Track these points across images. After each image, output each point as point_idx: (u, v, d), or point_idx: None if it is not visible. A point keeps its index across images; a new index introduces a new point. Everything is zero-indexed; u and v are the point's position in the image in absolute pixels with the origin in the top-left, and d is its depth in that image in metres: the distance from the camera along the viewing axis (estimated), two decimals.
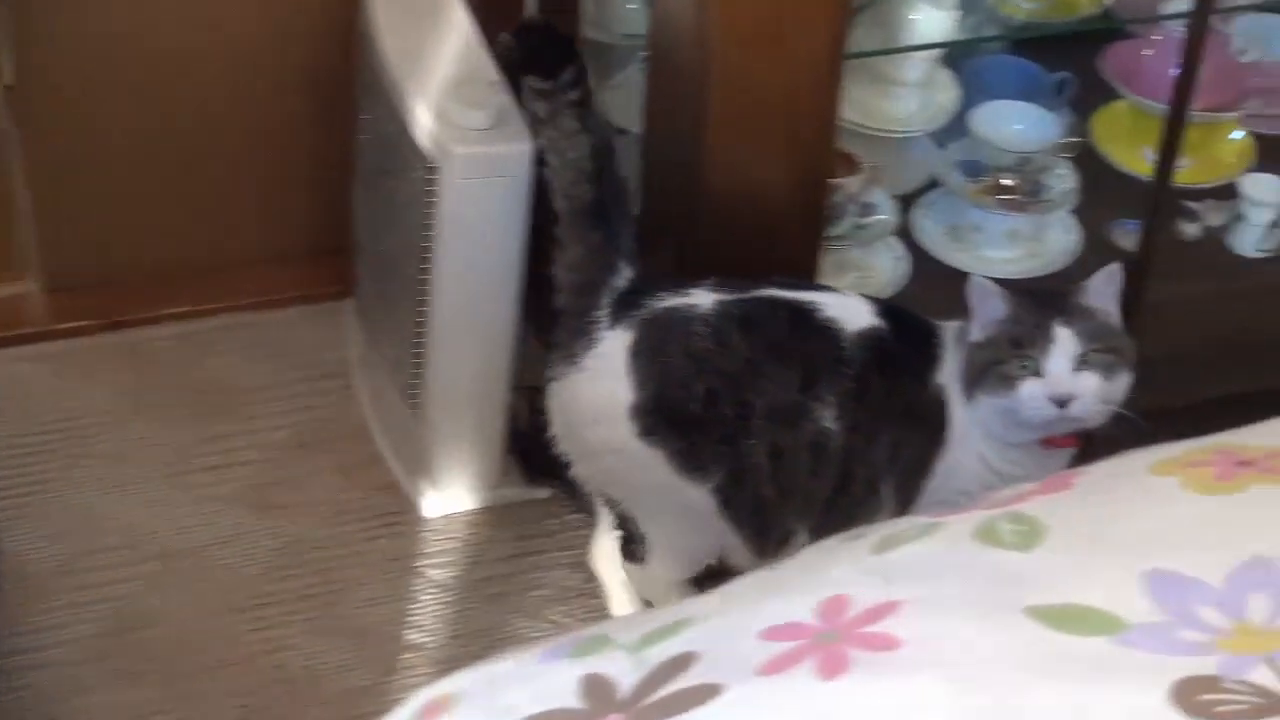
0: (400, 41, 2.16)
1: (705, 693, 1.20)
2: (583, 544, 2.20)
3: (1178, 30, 2.18)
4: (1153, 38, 2.44)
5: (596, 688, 1.23)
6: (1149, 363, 1.85)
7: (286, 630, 2.13)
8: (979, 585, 1.26)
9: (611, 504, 2.00)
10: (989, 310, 1.83)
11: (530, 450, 2.25)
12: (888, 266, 2.28)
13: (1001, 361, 1.81)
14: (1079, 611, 1.22)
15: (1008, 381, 1.80)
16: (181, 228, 2.48)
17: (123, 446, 2.31)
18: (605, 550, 2.12)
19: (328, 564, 2.21)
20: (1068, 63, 2.43)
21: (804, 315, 1.86)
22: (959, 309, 1.87)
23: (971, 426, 1.86)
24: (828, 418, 1.84)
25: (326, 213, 2.46)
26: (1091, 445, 1.82)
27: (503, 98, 2.08)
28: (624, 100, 2.24)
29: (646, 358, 1.87)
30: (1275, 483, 1.33)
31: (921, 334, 1.89)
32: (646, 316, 1.88)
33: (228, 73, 2.39)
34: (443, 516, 2.27)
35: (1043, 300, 1.84)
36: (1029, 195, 2.31)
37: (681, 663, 1.23)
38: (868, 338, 1.86)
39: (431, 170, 2.06)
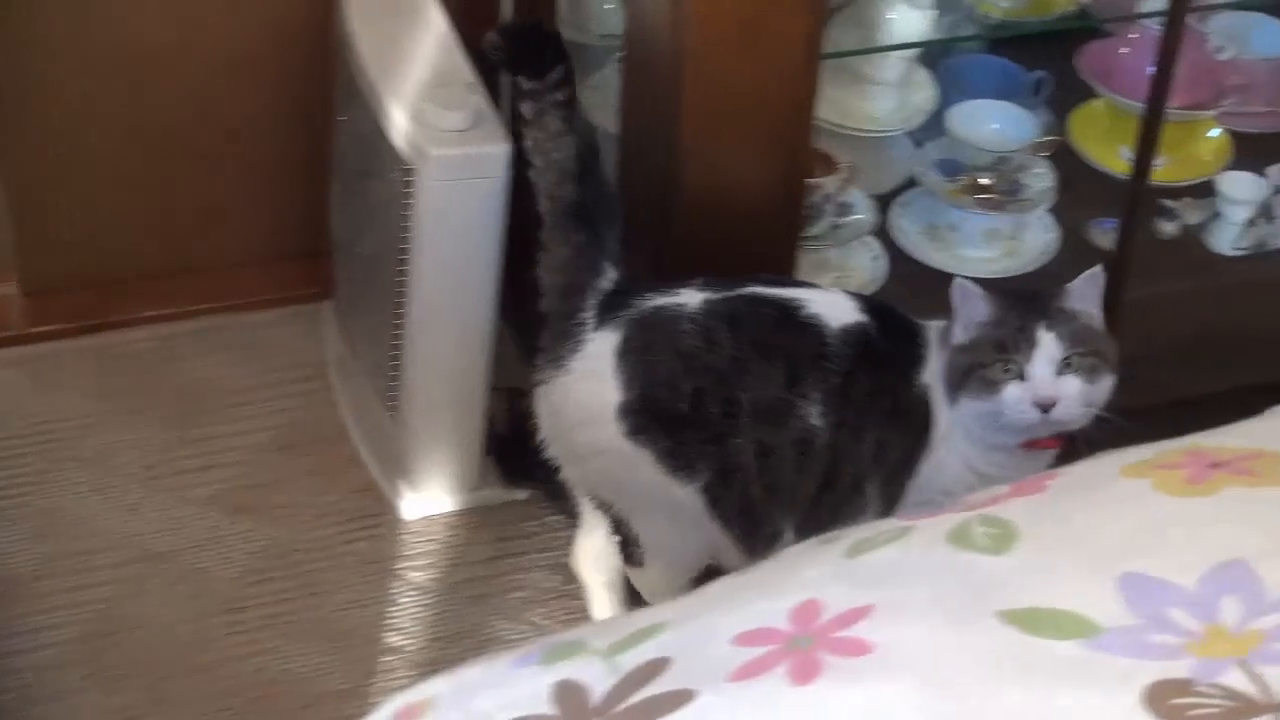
0: (377, 43, 2.16)
1: (678, 699, 1.20)
2: (562, 546, 2.20)
3: (1154, 28, 2.18)
4: (1129, 36, 2.44)
5: (569, 694, 1.23)
6: (1126, 361, 1.85)
7: (266, 633, 2.13)
8: (952, 589, 1.26)
9: (604, 508, 2.00)
10: (972, 312, 1.82)
11: (509, 452, 2.25)
12: (865, 266, 2.28)
13: (984, 365, 1.80)
14: (1052, 615, 1.22)
15: (991, 385, 1.80)
16: (160, 230, 2.48)
17: (101, 450, 2.31)
18: (587, 552, 2.12)
19: (307, 567, 2.20)
20: (1045, 61, 2.43)
21: (788, 312, 1.86)
22: (937, 308, 1.87)
23: (954, 427, 1.85)
24: (813, 415, 1.84)
25: (304, 215, 2.46)
26: (1074, 446, 1.81)
27: (479, 99, 2.07)
28: (600, 100, 2.24)
29: (634, 357, 1.87)
30: (1247, 484, 1.34)
31: (906, 332, 1.89)
32: (634, 316, 1.88)
33: (205, 75, 2.39)
34: (422, 519, 2.27)
35: (1026, 303, 1.83)
36: (1007, 194, 2.31)
37: (654, 668, 1.23)
38: (852, 334, 1.85)
39: (408, 172, 2.06)
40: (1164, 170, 2.31)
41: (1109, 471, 1.39)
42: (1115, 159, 2.37)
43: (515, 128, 1.98)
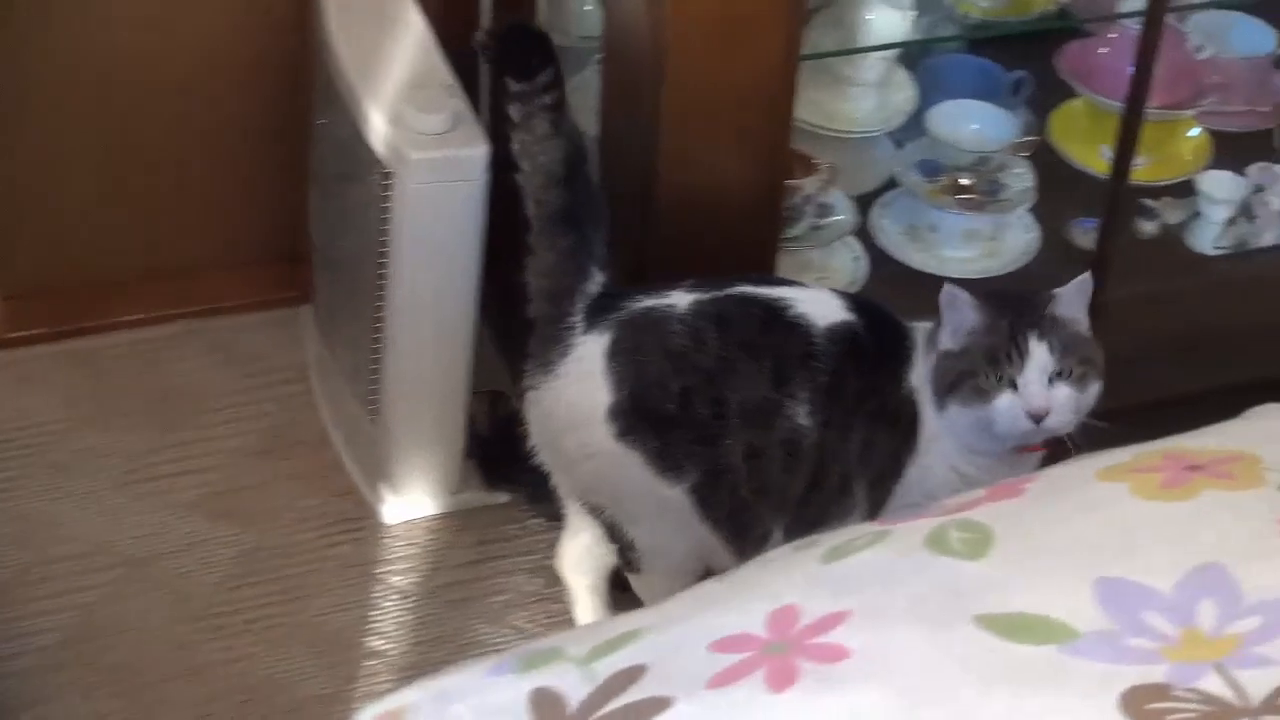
0: (356, 46, 2.15)
1: (654, 706, 1.19)
2: (543, 549, 2.20)
3: (1133, 28, 2.18)
4: (1109, 36, 2.44)
5: (546, 702, 1.23)
6: (1108, 361, 1.85)
7: (247, 638, 2.12)
8: (928, 594, 1.26)
9: (596, 513, 1.98)
10: (961, 320, 1.80)
11: (490, 455, 2.24)
12: (846, 267, 2.28)
13: (975, 374, 1.79)
14: (1028, 620, 1.22)
15: (982, 395, 1.78)
16: (137, 234, 2.47)
17: (80, 455, 2.30)
18: (571, 554, 2.11)
19: (288, 571, 2.20)
20: (1024, 61, 2.43)
21: (775, 311, 1.85)
22: (918, 309, 1.86)
23: (941, 432, 1.85)
24: (801, 414, 1.84)
25: (283, 218, 2.45)
26: (1061, 449, 1.81)
27: (458, 102, 2.07)
28: (580, 102, 2.23)
29: (623, 358, 1.86)
30: (1224, 488, 1.34)
31: (893, 332, 1.88)
32: (623, 318, 1.87)
33: (182, 79, 2.38)
34: (403, 522, 2.27)
35: (1016, 311, 1.80)
36: (987, 194, 2.31)
37: (631, 676, 1.23)
38: (839, 332, 1.85)
39: (387, 175, 2.05)
40: (1144, 170, 2.31)
41: (1086, 475, 1.39)
42: (1095, 159, 2.37)
43: (498, 130, 1.97)
